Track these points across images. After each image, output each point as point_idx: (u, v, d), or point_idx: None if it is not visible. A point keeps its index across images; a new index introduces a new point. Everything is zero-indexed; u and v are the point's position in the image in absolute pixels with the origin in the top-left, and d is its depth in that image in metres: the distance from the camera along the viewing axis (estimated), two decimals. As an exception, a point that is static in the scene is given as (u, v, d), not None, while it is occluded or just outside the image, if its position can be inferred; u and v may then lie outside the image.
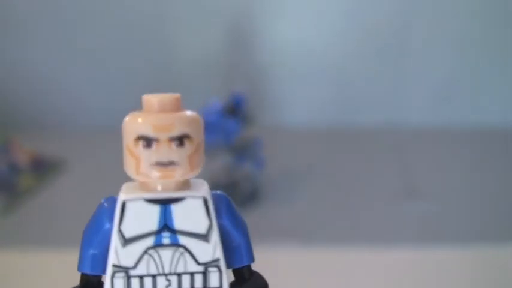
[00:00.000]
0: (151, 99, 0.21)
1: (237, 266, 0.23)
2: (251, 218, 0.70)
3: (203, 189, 0.21)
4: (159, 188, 0.21)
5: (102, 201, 0.22)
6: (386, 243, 0.62)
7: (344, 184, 0.79)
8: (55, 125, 1.02)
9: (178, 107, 0.21)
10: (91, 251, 0.22)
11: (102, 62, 1.01)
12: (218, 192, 0.23)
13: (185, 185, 0.22)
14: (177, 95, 0.22)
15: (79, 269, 0.22)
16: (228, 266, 0.22)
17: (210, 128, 0.66)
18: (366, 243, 0.62)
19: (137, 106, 0.90)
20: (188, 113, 0.21)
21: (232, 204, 0.23)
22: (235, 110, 0.68)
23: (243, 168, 0.69)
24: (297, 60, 1.02)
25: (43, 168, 0.80)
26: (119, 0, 0.99)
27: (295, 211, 0.70)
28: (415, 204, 0.73)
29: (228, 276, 0.22)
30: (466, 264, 0.56)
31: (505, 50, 1.03)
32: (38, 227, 0.66)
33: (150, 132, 0.20)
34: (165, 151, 0.20)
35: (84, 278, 0.22)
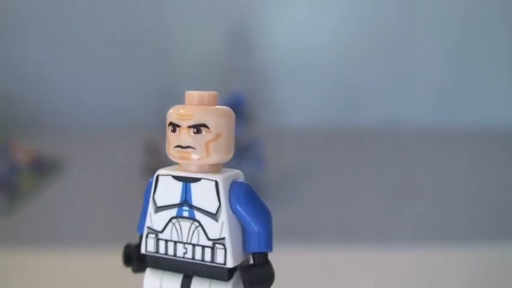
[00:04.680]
0: (192, 94, 0.25)
1: (251, 251, 0.24)
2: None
3: (224, 175, 0.24)
4: (187, 169, 0.25)
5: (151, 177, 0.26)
6: (386, 243, 0.62)
7: (344, 184, 0.79)
8: (55, 125, 1.02)
9: (213, 102, 0.25)
10: (144, 217, 0.25)
11: (102, 62, 1.01)
12: (241, 180, 0.25)
13: (213, 169, 0.25)
14: (214, 92, 0.25)
15: (137, 230, 0.26)
16: (245, 249, 0.24)
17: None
18: (366, 243, 0.62)
19: (137, 105, 0.91)
20: (215, 107, 0.25)
21: (253, 194, 0.25)
22: (235, 110, 0.68)
23: (243, 168, 0.69)
24: (297, 60, 1.02)
25: (43, 168, 0.80)
26: (119, 0, 0.98)
27: (296, 211, 0.69)
28: (414, 204, 0.73)
29: (243, 258, 0.25)
30: (465, 264, 0.56)
31: (507, 50, 1.02)
32: (38, 227, 0.66)
33: (175, 120, 0.24)
34: (185, 136, 0.24)
35: (139, 237, 0.26)
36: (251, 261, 0.25)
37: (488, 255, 0.58)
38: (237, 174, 0.26)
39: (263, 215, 0.25)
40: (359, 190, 0.78)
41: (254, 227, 0.24)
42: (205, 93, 0.25)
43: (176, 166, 0.26)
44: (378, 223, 0.68)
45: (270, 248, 0.25)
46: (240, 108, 0.69)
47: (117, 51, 1.00)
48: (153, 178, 0.25)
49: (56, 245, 0.61)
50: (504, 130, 1.01)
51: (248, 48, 1.02)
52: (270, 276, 0.24)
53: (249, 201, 0.24)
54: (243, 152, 0.68)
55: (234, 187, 0.24)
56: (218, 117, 0.24)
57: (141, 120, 0.99)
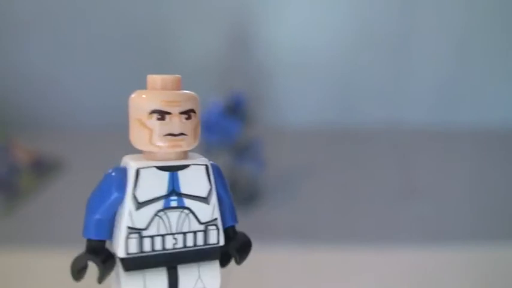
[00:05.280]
0: (155, 78, 0.24)
1: (226, 226, 0.25)
2: (251, 218, 0.70)
3: (203, 159, 0.24)
4: (163, 157, 0.23)
5: (110, 171, 0.24)
6: (386, 243, 0.62)
7: (344, 184, 0.79)
8: (55, 125, 1.02)
9: (180, 86, 0.24)
10: (97, 217, 0.23)
11: (102, 62, 1.01)
12: (212, 162, 0.25)
13: (186, 156, 0.24)
14: (178, 76, 0.24)
15: (84, 234, 0.23)
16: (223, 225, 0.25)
17: (210, 128, 0.66)
18: (366, 243, 0.62)
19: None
20: (192, 93, 0.24)
21: (222, 173, 0.25)
22: (236, 109, 0.68)
23: (243, 168, 0.69)
24: (298, 60, 1.02)
25: (43, 168, 0.80)
26: (119, 0, 0.99)
27: (295, 211, 0.69)
28: (414, 204, 0.73)
29: None
30: (466, 264, 0.56)
31: (506, 50, 1.03)
32: (38, 227, 0.66)
33: (163, 107, 0.23)
34: (177, 124, 0.23)
35: (89, 243, 0.23)
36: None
37: (488, 255, 0.58)
38: (202, 156, 0.26)
39: (229, 192, 0.26)
40: (359, 190, 0.78)
41: (225, 203, 0.25)
42: (170, 77, 0.24)
43: (139, 156, 0.24)
44: (378, 223, 0.68)
45: (237, 221, 0.26)
46: (240, 108, 0.69)
47: (117, 51, 1.00)
48: (116, 171, 0.23)
49: (56, 245, 0.61)
50: (505, 130, 1.01)
51: (248, 49, 1.02)
52: (250, 242, 0.26)
53: (221, 181, 0.25)
54: (243, 152, 0.68)
55: (215, 169, 0.25)
56: (198, 102, 0.24)
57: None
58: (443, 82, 1.04)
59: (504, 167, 0.87)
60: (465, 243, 0.61)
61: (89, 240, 0.23)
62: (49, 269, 0.56)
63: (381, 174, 0.83)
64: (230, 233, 0.25)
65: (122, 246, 0.23)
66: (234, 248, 0.25)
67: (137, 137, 0.23)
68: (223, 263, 0.25)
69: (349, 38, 1.01)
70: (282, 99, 1.04)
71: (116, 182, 0.23)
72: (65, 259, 0.60)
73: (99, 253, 0.23)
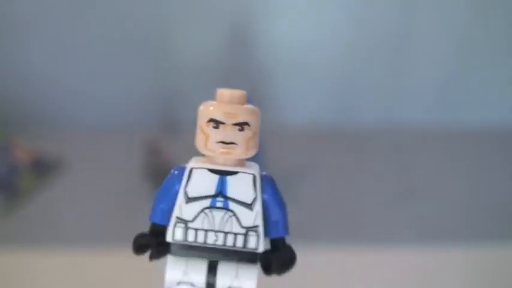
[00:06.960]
0: (223, 92, 0.26)
1: (273, 236, 0.27)
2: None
3: (254, 168, 0.27)
4: (220, 162, 0.26)
5: (173, 169, 0.27)
6: (386, 243, 0.62)
7: (344, 184, 0.79)
8: (55, 125, 1.02)
9: (244, 101, 0.27)
10: (161, 206, 0.26)
11: (102, 61, 1.01)
12: (265, 173, 0.27)
13: (241, 163, 0.27)
14: (244, 92, 0.27)
15: (150, 218, 0.27)
16: (266, 235, 0.27)
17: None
18: (366, 243, 0.62)
19: (138, 105, 0.91)
20: (253, 107, 0.27)
21: (276, 185, 0.27)
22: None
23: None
24: (298, 60, 1.02)
25: (43, 168, 0.80)
26: (119, 0, 0.98)
27: (296, 211, 0.69)
28: (415, 204, 0.73)
29: (266, 243, 0.27)
30: (466, 265, 0.56)
31: (506, 50, 1.03)
32: (38, 227, 0.66)
33: (220, 117, 0.26)
34: (229, 133, 0.26)
35: (153, 226, 0.27)
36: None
37: (488, 255, 0.58)
38: (257, 166, 0.28)
39: (282, 204, 0.28)
40: (359, 190, 0.78)
41: (276, 214, 0.27)
42: (236, 92, 0.27)
43: (202, 158, 0.27)
44: (378, 223, 0.68)
45: (287, 232, 0.28)
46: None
47: (117, 51, 1.00)
48: (178, 168, 0.27)
49: (56, 246, 0.61)
50: (505, 130, 1.01)
51: (249, 48, 1.02)
52: (293, 257, 0.28)
53: (272, 192, 0.27)
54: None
55: (265, 180, 0.27)
56: (256, 116, 0.27)
57: (141, 120, 0.99)
58: (443, 82, 1.04)
59: (504, 167, 0.87)
60: (465, 243, 0.61)
61: (152, 224, 0.27)
62: (49, 269, 0.56)
63: (381, 174, 0.83)
64: (279, 243, 0.27)
65: (169, 232, 0.26)
66: (275, 258, 0.27)
67: (198, 141, 0.27)
68: (268, 270, 0.27)
69: (349, 37, 1.01)
70: (282, 99, 1.04)
71: (177, 177, 0.26)
72: (65, 259, 0.60)
73: (159, 236, 0.26)
